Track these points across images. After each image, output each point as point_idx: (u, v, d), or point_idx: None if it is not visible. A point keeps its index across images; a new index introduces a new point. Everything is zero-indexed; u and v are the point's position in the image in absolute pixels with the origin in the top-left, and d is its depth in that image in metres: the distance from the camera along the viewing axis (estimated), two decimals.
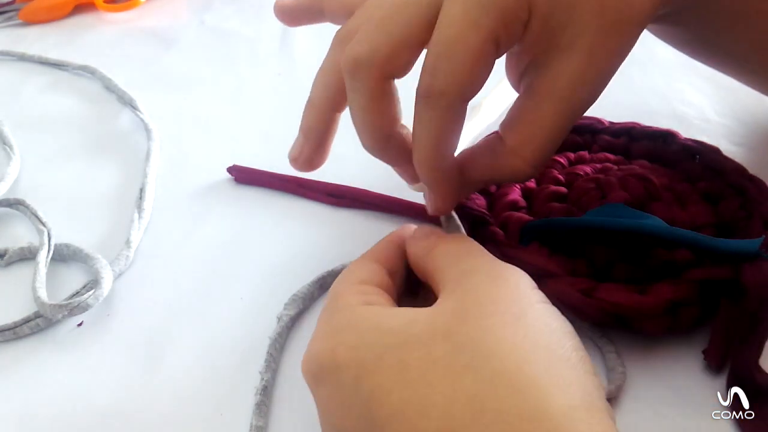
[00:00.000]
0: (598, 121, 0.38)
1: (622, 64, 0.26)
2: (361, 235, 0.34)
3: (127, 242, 0.35)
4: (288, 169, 0.39)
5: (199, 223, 0.37)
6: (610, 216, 0.29)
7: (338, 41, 0.28)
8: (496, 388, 0.18)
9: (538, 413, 0.18)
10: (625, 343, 0.28)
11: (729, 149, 0.39)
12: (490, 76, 0.24)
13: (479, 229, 0.31)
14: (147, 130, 0.44)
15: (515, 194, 0.33)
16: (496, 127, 0.27)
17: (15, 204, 0.37)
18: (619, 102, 0.43)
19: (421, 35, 0.24)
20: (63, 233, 0.35)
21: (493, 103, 0.37)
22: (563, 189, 0.33)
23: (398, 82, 0.26)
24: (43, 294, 0.31)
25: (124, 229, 0.36)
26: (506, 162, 0.26)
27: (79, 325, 0.31)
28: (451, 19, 0.23)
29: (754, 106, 0.44)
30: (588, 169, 0.34)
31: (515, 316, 0.20)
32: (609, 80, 0.26)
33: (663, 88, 0.46)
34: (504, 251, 0.29)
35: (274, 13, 0.35)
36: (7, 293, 0.33)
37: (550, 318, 0.21)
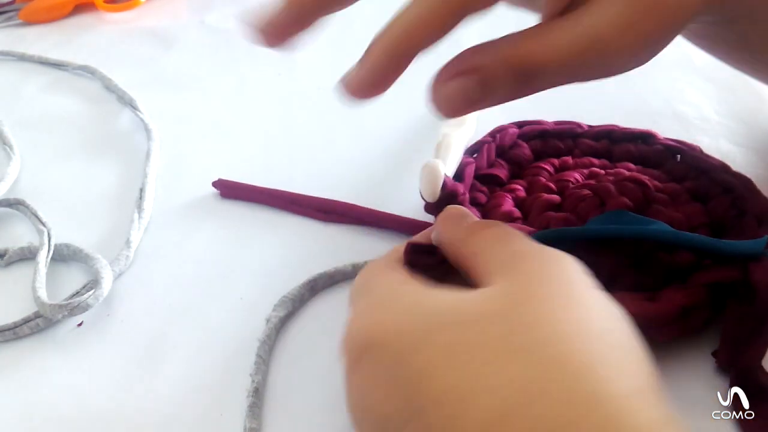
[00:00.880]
0: (578, 125, 0.38)
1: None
2: (352, 249, 0.34)
3: (127, 242, 0.35)
4: (279, 179, 0.40)
5: (199, 223, 0.37)
6: (614, 223, 0.29)
7: None
8: (553, 372, 0.17)
9: (595, 398, 0.17)
10: None
11: (729, 149, 0.39)
12: None
13: None
14: (147, 130, 0.44)
15: (508, 205, 0.33)
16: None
17: (15, 204, 0.37)
18: (619, 102, 0.43)
19: None
20: (63, 233, 0.35)
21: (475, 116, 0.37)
22: (556, 197, 0.32)
23: None
24: (43, 294, 0.31)
25: (124, 229, 0.36)
26: (512, 63, 0.23)
27: (79, 325, 0.31)
28: None
29: (754, 106, 0.44)
30: (577, 175, 0.34)
31: (571, 301, 0.19)
32: (647, 31, 0.23)
33: (663, 88, 0.46)
34: None
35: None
36: (7, 293, 0.33)
37: (603, 303, 0.20)
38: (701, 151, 0.35)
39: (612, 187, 0.31)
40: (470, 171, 0.34)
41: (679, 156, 0.35)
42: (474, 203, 0.33)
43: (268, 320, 0.30)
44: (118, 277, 0.33)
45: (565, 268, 0.21)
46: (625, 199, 0.31)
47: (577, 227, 0.30)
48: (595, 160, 0.35)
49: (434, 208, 0.31)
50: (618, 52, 0.23)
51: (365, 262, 0.32)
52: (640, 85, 0.46)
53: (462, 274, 0.24)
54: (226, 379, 0.28)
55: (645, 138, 0.36)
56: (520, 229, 0.30)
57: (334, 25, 0.56)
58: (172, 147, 0.43)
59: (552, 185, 0.33)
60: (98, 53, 0.54)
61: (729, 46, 0.35)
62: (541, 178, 0.34)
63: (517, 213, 0.32)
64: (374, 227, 0.35)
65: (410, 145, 0.41)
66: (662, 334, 0.27)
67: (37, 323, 0.31)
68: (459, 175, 0.34)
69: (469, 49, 0.23)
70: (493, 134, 0.37)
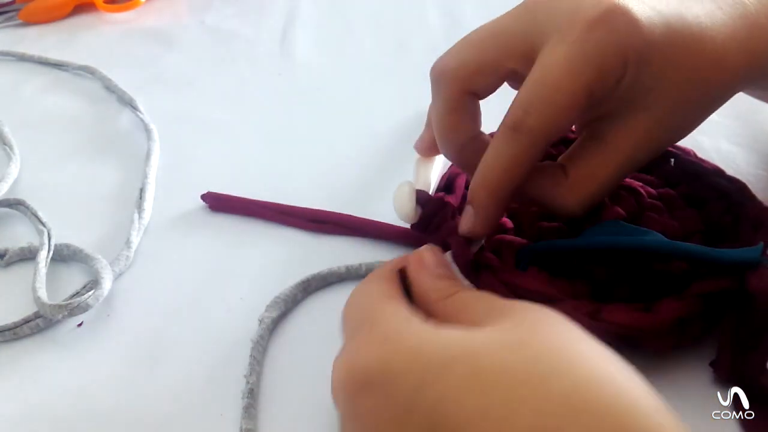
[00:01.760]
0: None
1: None
2: (347, 260, 0.33)
3: (127, 242, 0.35)
4: (279, 178, 0.40)
5: (199, 224, 0.37)
6: (610, 234, 0.28)
7: (439, 77, 0.28)
8: (586, 393, 0.17)
9: (630, 417, 0.17)
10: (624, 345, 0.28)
11: (729, 149, 0.39)
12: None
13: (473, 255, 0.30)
14: (147, 130, 0.44)
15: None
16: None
17: (15, 204, 0.37)
18: None
19: (510, 63, 0.26)
20: (63, 233, 0.35)
21: None
22: None
23: None
24: (43, 294, 0.31)
25: (124, 229, 0.36)
26: (559, 193, 0.27)
27: (79, 325, 0.31)
28: (554, 64, 0.24)
29: (754, 106, 0.43)
30: None
31: (581, 334, 0.20)
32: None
33: None
34: (503, 278, 0.28)
35: (418, 153, 0.35)
36: (7, 293, 0.33)
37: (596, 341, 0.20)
38: (695, 155, 0.34)
39: (605, 198, 0.31)
40: (461, 182, 0.34)
41: (673, 160, 0.34)
42: None
43: (260, 321, 0.30)
44: (118, 277, 0.33)
45: (552, 314, 0.21)
46: (619, 209, 0.30)
47: (571, 239, 0.30)
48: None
49: (419, 227, 0.32)
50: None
51: (360, 265, 0.32)
52: None
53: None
54: (225, 378, 0.28)
55: None
56: (512, 240, 0.30)
57: (334, 26, 0.56)
58: (172, 147, 0.43)
59: None
60: (98, 53, 0.54)
61: None
62: None
63: (510, 224, 0.32)
64: (370, 237, 0.35)
65: (410, 145, 0.40)
66: (658, 346, 0.26)
67: (37, 323, 0.31)
68: (449, 187, 0.34)
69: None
70: None
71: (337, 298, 0.32)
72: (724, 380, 0.26)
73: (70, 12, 0.61)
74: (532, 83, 0.25)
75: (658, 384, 0.26)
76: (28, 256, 0.35)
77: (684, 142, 0.36)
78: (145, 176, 0.39)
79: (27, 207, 0.37)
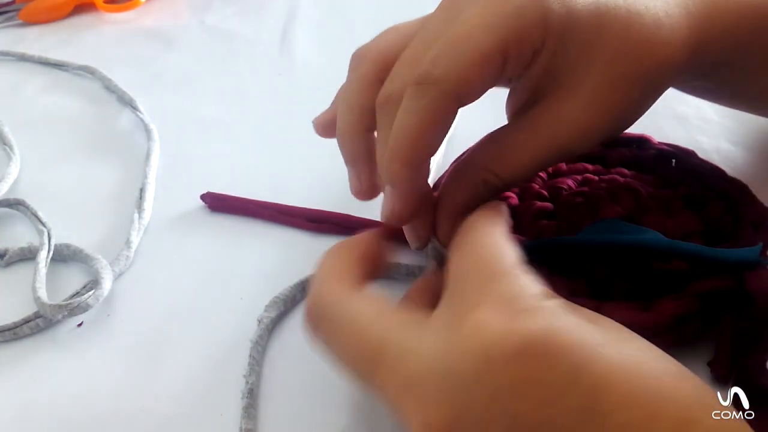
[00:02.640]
0: None
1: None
2: None
3: (127, 242, 0.35)
4: (279, 178, 0.40)
5: (199, 224, 0.37)
6: (608, 232, 0.28)
7: (356, 60, 0.28)
8: (708, 390, 0.19)
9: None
10: None
11: (729, 149, 0.39)
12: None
13: None
14: (147, 130, 0.44)
15: None
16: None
17: (15, 204, 0.37)
18: None
19: (497, 62, 0.23)
20: (63, 233, 0.35)
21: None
22: (549, 205, 0.32)
23: None
24: (43, 294, 0.31)
25: (124, 229, 0.36)
26: (479, 176, 0.25)
27: (79, 325, 0.31)
28: (467, 17, 0.23)
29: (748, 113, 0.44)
30: (570, 182, 0.33)
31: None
32: (611, 132, 0.26)
33: None
34: None
35: (317, 133, 0.32)
36: (7, 293, 0.33)
37: None
38: (696, 156, 0.34)
39: (605, 195, 0.31)
40: None
41: (674, 161, 0.35)
42: None
43: (260, 321, 0.30)
44: (118, 277, 0.33)
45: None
46: (618, 207, 0.30)
47: (570, 237, 0.30)
48: (589, 166, 0.35)
49: None
50: (577, 150, 0.26)
51: None
52: None
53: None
54: (225, 378, 0.28)
55: (639, 142, 0.36)
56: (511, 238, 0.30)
57: (334, 26, 0.56)
58: (172, 147, 0.43)
59: (544, 192, 0.33)
60: (98, 53, 0.54)
61: (714, 98, 0.37)
62: (534, 185, 0.33)
63: (510, 221, 0.32)
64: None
65: None
66: (656, 344, 0.26)
67: (37, 323, 0.31)
68: None
69: (452, 167, 0.26)
70: None
71: None
72: (723, 380, 0.26)
73: (70, 12, 0.61)
74: (443, 38, 0.23)
75: None
76: (28, 256, 0.35)
77: (684, 142, 0.36)
78: (145, 176, 0.39)
79: (27, 207, 0.37)
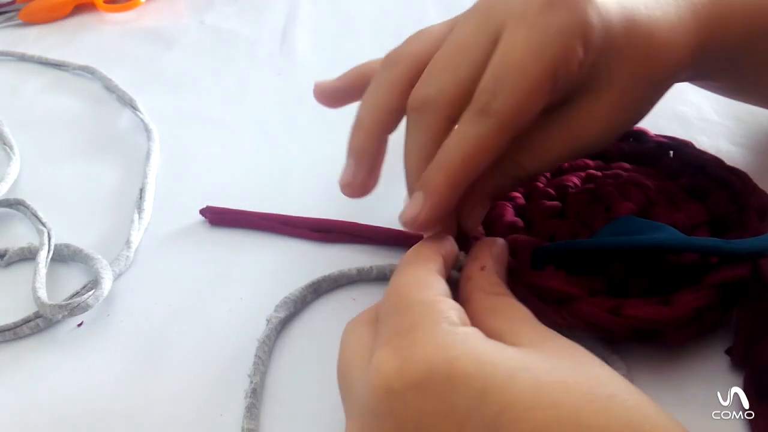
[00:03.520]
0: None
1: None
2: (355, 266, 0.33)
3: (127, 242, 0.35)
4: (279, 179, 0.40)
5: (200, 224, 0.37)
6: (625, 231, 0.28)
7: (389, 62, 0.28)
8: (647, 417, 0.18)
9: None
10: (625, 344, 0.28)
11: (729, 149, 0.39)
12: None
13: None
14: (147, 130, 0.44)
15: (510, 215, 0.32)
16: None
17: (15, 204, 0.37)
18: None
19: (550, 87, 0.24)
20: (63, 233, 0.35)
21: None
22: (557, 204, 0.32)
23: None
24: (43, 294, 0.31)
25: (124, 229, 0.36)
26: (506, 168, 0.27)
27: (79, 325, 0.31)
28: (516, 46, 0.24)
29: (753, 106, 0.44)
30: (574, 179, 0.33)
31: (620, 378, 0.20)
32: (627, 129, 0.28)
33: None
34: (522, 278, 0.28)
35: (314, 97, 0.33)
36: (7, 293, 0.33)
37: None
38: (694, 147, 0.34)
39: (615, 191, 0.31)
40: None
41: (672, 152, 0.35)
42: None
43: (268, 321, 0.30)
44: (118, 277, 0.33)
45: (591, 354, 0.21)
46: (630, 204, 0.30)
47: (589, 239, 0.30)
48: (590, 161, 0.35)
49: None
50: (599, 147, 0.28)
51: (371, 267, 0.32)
52: None
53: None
54: (226, 379, 0.28)
55: (637, 136, 0.36)
56: (525, 240, 0.30)
57: (334, 26, 0.56)
58: (172, 147, 0.43)
59: (551, 190, 0.33)
60: (98, 53, 0.54)
61: (720, 92, 0.39)
62: (539, 184, 0.34)
63: (520, 223, 0.32)
64: (377, 245, 0.34)
65: None
66: (677, 338, 0.27)
67: (37, 323, 0.31)
68: None
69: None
70: None
71: (347, 301, 0.32)
72: (741, 366, 0.27)
73: (70, 12, 0.61)
74: (496, 67, 0.24)
75: (657, 382, 0.27)
76: (28, 256, 0.35)
77: None
78: (145, 176, 0.39)
79: (27, 207, 0.37)
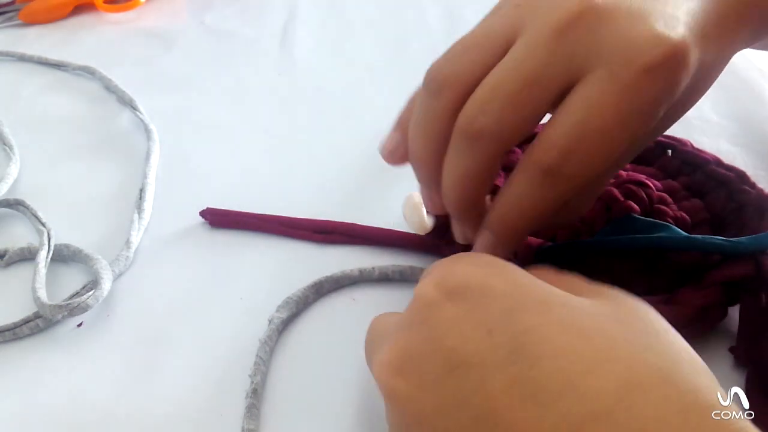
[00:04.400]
0: None
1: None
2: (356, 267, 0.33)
3: (127, 243, 0.35)
4: (279, 179, 0.39)
5: (200, 224, 0.36)
6: (626, 231, 0.28)
7: (433, 87, 0.25)
8: (684, 373, 0.18)
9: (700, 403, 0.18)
10: None
11: (729, 149, 0.39)
12: None
13: None
14: (147, 130, 0.44)
15: None
16: None
17: (15, 204, 0.37)
18: None
19: (551, 108, 0.23)
20: (63, 233, 0.35)
21: None
22: None
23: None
24: (42, 294, 0.31)
25: (124, 229, 0.36)
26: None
27: (79, 325, 0.31)
28: (603, 108, 0.22)
29: (754, 106, 0.44)
30: None
31: (667, 325, 0.20)
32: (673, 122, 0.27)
33: None
34: None
35: (385, 161, 0.30)
36: (7, 293, 0.33)
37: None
38: (692, 146, 0.35)
39: (616, 191, 0.31)
40: None
41: (670, 151, 0.35)
42: None
43: (270, 321, 0.30)
44: (117, 277, 0.33)
45: (640, 301, 0.21)
46: (632, 203, 0.30)
47: (592, 239, 0.30)
48: None
49: (436, 236, 0.31)
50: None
51: (373, 268, 0.32)
52: None
53: None
54: (226, 379, 0.28)
55: None
56: (527, 241, 0.30)
57: (334, 26, 0.56)
58: (172, 147, 0.43)
59: None
60: (98, 53, 0.54)
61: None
62: None
63: None
64: (380, 245, 0.34)
65: None
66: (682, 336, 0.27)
67: (37, 323, 0.31)
68: None
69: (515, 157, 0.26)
70: None
71: (349, 301, 0.31)
72: (744, 365, 0.27)
73: (70, 12, 0.61)
74: (574, 125, 0.22)
75: None
76: (28, 256, 0.35)
77: None
78: (145, 176, 0.39)
79: (27, 207, 0.37)
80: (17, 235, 0.36)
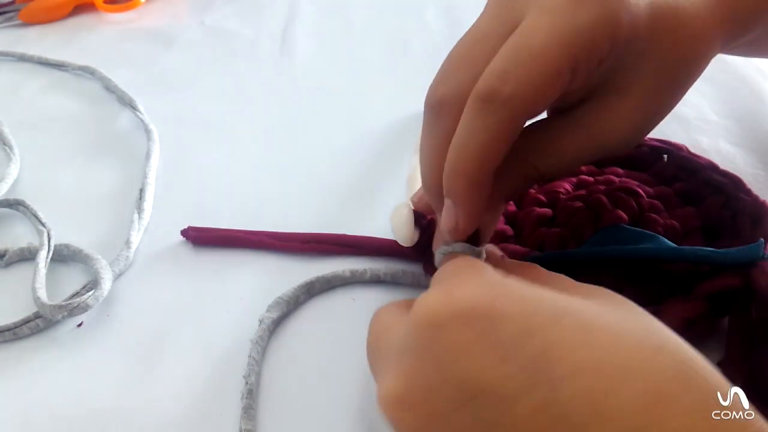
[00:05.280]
0: None
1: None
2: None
3: (127, 243, 0.35)
4: (279, 179, 0.40)
5: (199, 224, 0.36)
6: (613, 241, 0.28)
7: (434, 108, 0.25)
8: (697, 370, 0.18)
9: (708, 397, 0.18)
10: None
11: (729, 149, 0.39)
12: None
13: None
14: (147, 130, 0.44)
15: (500, 222, 0.31)
16: None
17: (15, 204, 0.37)
18: None
19: (567, 78, 0.22)
20: (63, 233, 0.35)
21: None
22: (549, 211, 0.32)
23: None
24: (42, 294, 0.31)
25: (124, 229, 0.36)
26: (519, 169, 0.25)
27: (79, 325, 0.31)
28: (539, 31, 0.22)
29: (753, 106, 0.44)
30: (566, 185, 0.33)
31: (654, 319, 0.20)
32: (650, 130, 0.26)
33: None
34: None
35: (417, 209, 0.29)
36: (7, 294, 0.33)
37: None
38: (688, 151, 0.34)
39: (605, 199, 0.31)
40: None
41: (666, 156, 0.34)
42: None
43: (261, 321, 0.30)
44: (117, 277, 0.33)
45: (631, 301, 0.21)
46: (620, 212, 0.30)
47: (577, 250, 0.29)
48: (582, 167, 0.35)
49: (417, 252, 0.30)
50: (625, 148, 0.26)
51: (365, 270, 0.32)
52: None
53: None
54: (225, 379, 0.28)
55: None
56: (514, 250, 0.30)
57: (334, 26, 0.56)
58: (172, 147, 0.43)
59: (542, 197, 0.33)
60: (98, 53, 0.54)
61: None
62: (531, 190, 0.33)
63: (510, 231, 0.31)
64: (370, 255, 0.33)
65: (409, 144, 0.41)
66: None
67: (37, 324, 0.31)
68: None
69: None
70: None
71: (340, 302, 0.32)
72: (733, 380, 0.26)
73: (70, 12, 0.61)
74: (510, 49, 0.22)
75: None
76: (28, 256, 0.35)
77: (683, 142, 0.36)
78: (145, 176, 0.39)
79: (27, 207, 0.37)
80: (17, 235, 0.36)
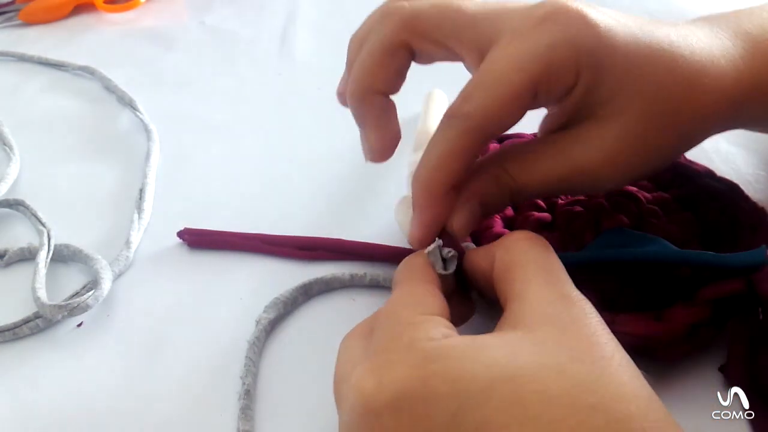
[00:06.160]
0: None
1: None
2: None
3: (127, 243, 0.35)
4: (279, 179, 0.40)
5: (199, 223, 0.36)
6: (615, 244, 0.28)
7: (384, 14, 0.27)
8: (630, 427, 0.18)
9: None
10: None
11: (729, 150, 0.39)
12: None
13: None
14: (147, 130, 0.44)
15: (498, 226, 0.31)
16: None
17: (15, 204, 0.37)
18: None
19: (526, 100, 0.24)
20: (63, 233, 0.35)
21: None
22: (547, 215, 0.32)
23: None
24: (42, 294, 0.31)
25: (124, 229, 0.36)
26: (493, 171, 0.26)
27: (79, 325, 0.31)
28: (501, 56, 0.24)
29: None
30: None
31: (617, 361, 0.20)
32: (644, 170, 0.26)
33: None
34: None
35: (338, 101, 0.31)
36: (7, 293, 0.33)
37: (626, 356, 0.20)
38: (685, 157, 0.34)
39: (606, 203, 0.31)
40: None
41: None
42: None
43: (257, 322, 0.30)
44: (117, 277, 0.33)
45: (595, 320, 0.21)
46: (622, 216, 0.30)
47: (580, 253, 0.29)
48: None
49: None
50: (606, 184, 0.26)
51: (364, 274, 0.32)
52: None
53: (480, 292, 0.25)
54: (224, 379, 0.28)
55: None
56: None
57: (334, 26, 0.56)
58: (172, 147, 0.43)
59: (540, 202, 0.32)
60: (98, 53, 0.54)
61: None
62: None
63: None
64: (365, 261, 0.33)
65: (409, 144, 0.41)
66: (670, 355, 0.26)
67: (37, 323, 0.31)
68: None
69: (471, 174, 0.26)
70: None
71: (338, 304, 0.31)
72: (736, 384, 0.26)
73: (70, 12, 0.61)
74: (477, 74, 0.24)
75: (657, 382, 0.27)
76: (28, 256, 0.35)
77: None
78: (145, 176, 0.39)
79: (27, 207, 0.37)
80: (17, 235, 0.36)
